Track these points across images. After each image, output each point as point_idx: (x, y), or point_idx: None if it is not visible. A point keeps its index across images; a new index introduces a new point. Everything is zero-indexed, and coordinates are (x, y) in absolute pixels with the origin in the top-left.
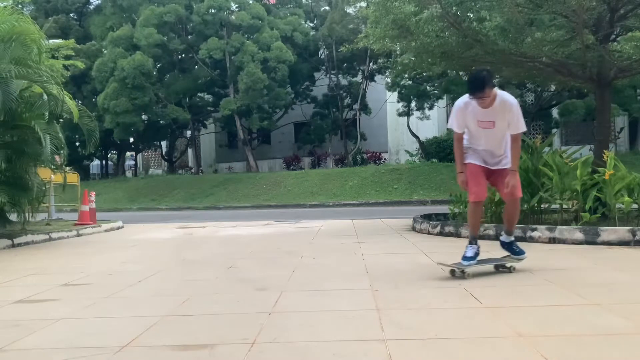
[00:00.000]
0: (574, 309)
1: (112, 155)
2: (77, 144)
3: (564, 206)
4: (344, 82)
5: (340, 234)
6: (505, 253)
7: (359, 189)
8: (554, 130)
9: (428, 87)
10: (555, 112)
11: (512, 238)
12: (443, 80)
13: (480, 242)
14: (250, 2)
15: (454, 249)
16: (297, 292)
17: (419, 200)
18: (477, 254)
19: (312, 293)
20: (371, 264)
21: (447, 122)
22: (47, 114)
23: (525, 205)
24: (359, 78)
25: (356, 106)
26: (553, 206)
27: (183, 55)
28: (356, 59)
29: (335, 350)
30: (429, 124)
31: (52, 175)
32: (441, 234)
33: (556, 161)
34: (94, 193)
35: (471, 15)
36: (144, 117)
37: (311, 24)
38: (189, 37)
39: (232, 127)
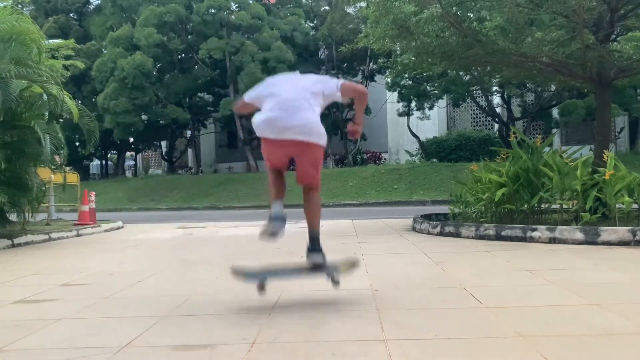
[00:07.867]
0: (574, 309)
1: (112, 155)
2: (77, 144)
3: (564, 206)
4: None
5: (340, 234)
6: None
7: (359, 189)
8: (554, 130)
9: (428, 87)
10: (555, 112)
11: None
12: (443, 80)
13: (480, 242)
14: (250, 2)
15: (453, 249)
16: (297, 292)
17: (419, 200)
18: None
19: (312, 293)
20: (371, 264)
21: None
22: (47, 114)
23: (526, 205)
24: (359, 78)
25: None
26: (553, 206)
27: (183, 55)
28: (356, 59)
29: (335, 350)
30: (429, 124)
31: (52, 175)
32: (441, 234)
33: (556, 161)
34: (94, 193)
35: (471, 15)
36: (143, 117)
37: (311, 24)
38: (189, 37)
39: (232, 127)
